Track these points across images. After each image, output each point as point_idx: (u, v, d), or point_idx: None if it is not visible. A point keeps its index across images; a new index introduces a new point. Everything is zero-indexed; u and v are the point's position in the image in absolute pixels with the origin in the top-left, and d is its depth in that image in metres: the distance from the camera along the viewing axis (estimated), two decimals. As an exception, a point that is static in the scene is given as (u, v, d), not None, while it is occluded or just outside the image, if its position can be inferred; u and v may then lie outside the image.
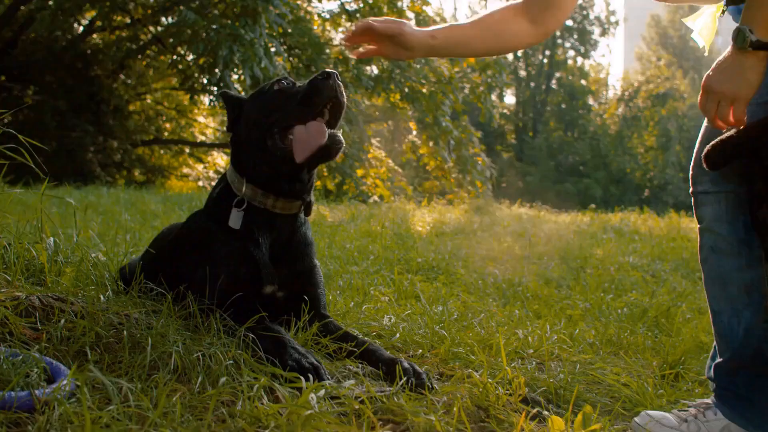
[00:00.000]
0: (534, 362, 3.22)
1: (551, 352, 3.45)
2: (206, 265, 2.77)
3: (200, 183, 31.19)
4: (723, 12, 2.79)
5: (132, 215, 9.82)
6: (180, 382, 2.19)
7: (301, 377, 2.25)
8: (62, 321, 2.33)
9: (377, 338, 3.29)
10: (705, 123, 2.71)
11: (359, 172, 25.36)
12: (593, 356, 3.54)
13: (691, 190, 2.79)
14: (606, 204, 35.44)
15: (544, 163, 52.18)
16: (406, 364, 2.54)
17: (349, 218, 11.95)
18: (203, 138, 31.42)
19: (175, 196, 15.56)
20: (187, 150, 31.83)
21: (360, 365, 2.65)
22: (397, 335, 3.29)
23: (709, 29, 3.02)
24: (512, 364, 3.05)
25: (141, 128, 28.87)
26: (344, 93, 2.80)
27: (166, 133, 31.50)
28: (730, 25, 2.62)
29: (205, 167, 32.39)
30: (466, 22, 3.14)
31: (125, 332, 2.30)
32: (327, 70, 2.76)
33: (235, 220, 2.85)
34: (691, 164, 2.77)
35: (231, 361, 2.31)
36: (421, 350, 3.16)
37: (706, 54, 3.26)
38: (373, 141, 27.55)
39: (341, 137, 2.74)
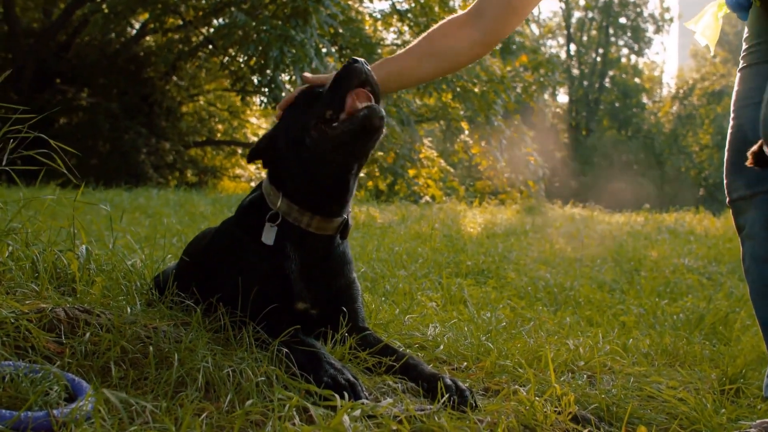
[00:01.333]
0: (585, 376, 3.06)
1: (603, 364, 3.29)
2: (236, 276, 2.67)
3: (252, 184, 31.35)
4: None
5: (180, 217, 9.82)
6: (208, 399, 2.09)
7: (336, 395, 2.13)
8: (87, 334, 2.23)
9: (420, 350, 3.16)
10: (730, 130, 2.59)
11: (411, 172, 25.29)
12: (648, 368, 3.38)
13: (727, 200, 2.65)
14: (660, 204, 35.03)
15: (597, 163, 51.72)
16: (448, 381, 2.41)
17: (399, 219, 11.87)
18: (255, 139, 31.53)
19: (226, 197, 15.59)
20: (239, 151, 32.02)
21: (399, 380, 2.53)
22: (441, 347, 3.16)
23: (713, 29, 3.00)
24: (561, 378, 2.91)
25: (193, 130, 29.14)
26: (375, 77, 2.67)
27: (218, 135, 31.77)
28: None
29: (257, 168, 32.52)
30: (402, 52, 3.01)
31: (151, 347, 2.20)
32: (354, 57, 2.66)
33: (269, 235, 2.72)
34: (724, 173, 2.63)
35: (263, 378, 2.20)
36: (466, 363, 3.02)
37: (712, 54, 3.23)
38: (425, 141, 27.45)
39: (381, 109, 2.60)
